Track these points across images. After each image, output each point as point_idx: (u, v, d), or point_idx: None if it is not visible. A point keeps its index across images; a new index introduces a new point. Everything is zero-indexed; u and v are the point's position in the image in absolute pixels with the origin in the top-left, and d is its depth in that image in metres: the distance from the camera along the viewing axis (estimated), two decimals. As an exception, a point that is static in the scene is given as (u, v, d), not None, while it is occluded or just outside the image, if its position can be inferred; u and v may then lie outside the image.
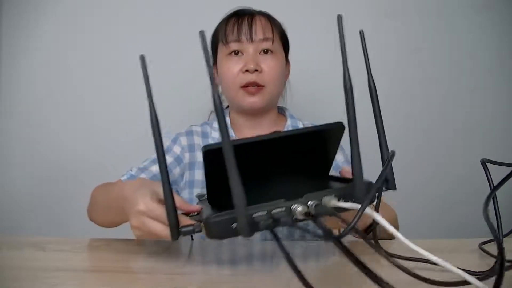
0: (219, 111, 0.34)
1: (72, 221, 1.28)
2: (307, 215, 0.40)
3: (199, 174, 0.84)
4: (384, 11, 1.29)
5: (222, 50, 0.85)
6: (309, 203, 0.41)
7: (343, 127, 0.47)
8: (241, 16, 0.84)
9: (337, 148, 0.52)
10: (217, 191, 0.44)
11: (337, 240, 0.31)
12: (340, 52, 0.39)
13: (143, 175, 0.79)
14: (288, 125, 0.90)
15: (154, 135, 0.41)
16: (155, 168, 0.80)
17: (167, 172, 0.42)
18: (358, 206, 0.38)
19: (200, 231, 0.42)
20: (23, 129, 1.31)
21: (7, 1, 1.29)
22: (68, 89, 1.31)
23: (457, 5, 1.31)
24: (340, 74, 0.40)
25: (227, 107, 0.94)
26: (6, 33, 1.30)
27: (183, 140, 0.86)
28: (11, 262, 0.53)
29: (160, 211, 0.48)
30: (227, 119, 0.90)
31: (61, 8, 1.30)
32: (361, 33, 0.44)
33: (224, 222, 0.39)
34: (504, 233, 0.55)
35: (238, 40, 0.82)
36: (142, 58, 0.37)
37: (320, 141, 0.50)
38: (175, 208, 0.43)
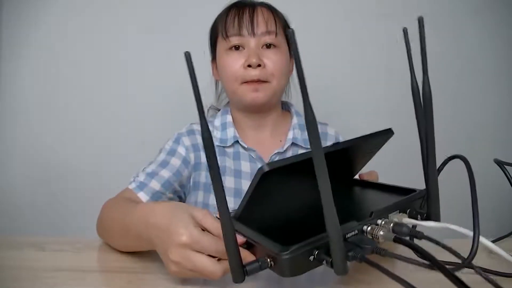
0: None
1: (72, 221, 1.28)
2: (396, 239, 0.35)
3: (204, 176, 0.80)
4: (384, 11, 1.29)
5: (221, 44, 0.80)
6: (378, 221, 0.37)
7: (392, 133, 0.46)
8: (241, 8, 0.79)
9: (376, 152, 0.51)
10: (258, 211, 0.40)
11: (451, 274, 0.28)
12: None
13: (154, 182, 0.73)
14: (295, 124, 0.85)
15: (205, 149, 0.33)
16: (165, 173, 0.75)
17: (224, 197, 0.34)
18: (451, 226, 0.34)
19: (267, 267, 0.36)
20: (22, 129, 1.31)
21: (7, 1, 1.29)
22: (68, 89, 1.30)
23: (457, 6, 1.31)
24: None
25: (228, 102, 0.91)
26: (6, 33, 1.29)
27: (186, 140, 0.81)
28: (11, 262, 0.52)
29: (208, 241, 0.40)
30: (229, 117, 0.85)
31: (61, 8, 1.30)
32: (405, 31, 0.40)
33: (302, 256, 0.34)
34: (504, 234, 0.56)
35: (239, 34, 0.77)
36: (188, 56, 0.31)
37: (369, 148, 0.49)
38: (236, 243, 0.35)
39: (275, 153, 0.81)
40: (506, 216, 1.20)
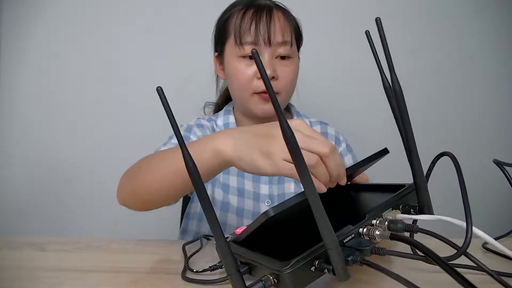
0: None
1: (72, 221, 1.29)
2: (392, 236, 0.36)
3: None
4: (385, 11, 1.29)
5: (233, 49, 0.76)
6: (373, 221, 0.37)
7: (388, 152, 0.48)
8: (258, 11, 0.75)
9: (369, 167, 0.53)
10: (258, 236, 0.40)
11: (447, 265, 0.28)
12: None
13: None
14: None
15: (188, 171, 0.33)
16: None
17: (221, 231, 0.34)
18: (444, 217, 0.35)
19: (271, 285, 0.36)
20: (23, 129, 1.31)
21: (7, 1, 1.29)
22: (68, 89, 1.30)
23: (457, 6, 1.31)
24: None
25: (226, 101, 0.90)
26: (6, 33, 1.30)
27: (197, 131, 0.80)
28: (11, 262, 0.52)
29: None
30: (231, 117, 0.85)
31: (61, 7, 1.30)
32: (367, 34, 0.40)
33: (303, 268, 0.34)
34: (504, 233, 0.56)
35: (255, 43, 0.74)
36: (160, 91, 0.31)
37: (365, 168, 0.50)
38: (238, 267, 0.35)
39: None
40: (506, 216, 1.20)
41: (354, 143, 0.89)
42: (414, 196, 0.43)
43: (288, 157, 0.44)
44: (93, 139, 1.30)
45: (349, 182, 0.60)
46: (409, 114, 0.38)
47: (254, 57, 0.29)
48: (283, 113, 0.30)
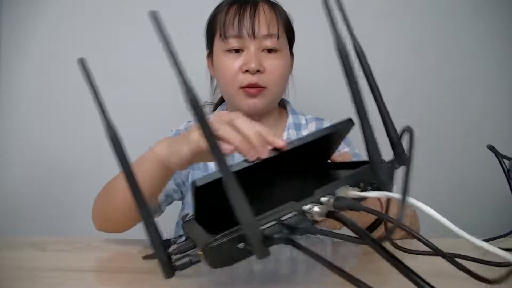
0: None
1: (72, 221, 1.28)
2: (330, 214, 0.33)
3: (199, 175, 0.79)
4: (384, 11, 1.29)
5: (219, 44, 0.77)
6: (322, 199, 0.34)
7: (353, 124, 0.44)
8: (243, 5, 0.75)
9: (341, 141, 0.50)
10: (208, 213, 0.39)
11: (377, 244, 0.27)
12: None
13: None
14: (290, 123, 0.84)
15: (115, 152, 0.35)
16: None
17: (141, 194, 0.34)
18: (389, 193, 0.33)
19: (199, 261, 0.34)
20: (23, 129, 1.31)
21: (7, 1, 1.29)
22: (68, 89, 1.30)
23: (457, 6, 1.31)
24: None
25: (223, 100, 0.89)
26: (5, 33, 1.29)
27: None
28: (11, 262, 0.53)
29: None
30: None
31: (61, 7, 1.30)
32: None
33: (227, 244, 0.32)
34: (504, 233, 0.56)
35: (239, 36, 0.73)
36: (81, 62, 0.31)
37: (328, 141, 0.48)
38: (161, 238, 0.34)
39: None
40: (506, 217, 1.20)
41: (353, 140, 0.89)
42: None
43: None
44: (93, 139, 1.30)
45: (329, 160, 0.58)
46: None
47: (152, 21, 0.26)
48: (184, 74, 0.29)
